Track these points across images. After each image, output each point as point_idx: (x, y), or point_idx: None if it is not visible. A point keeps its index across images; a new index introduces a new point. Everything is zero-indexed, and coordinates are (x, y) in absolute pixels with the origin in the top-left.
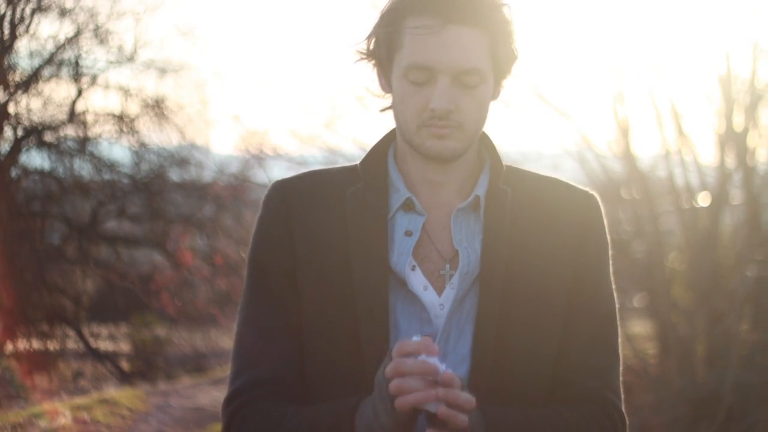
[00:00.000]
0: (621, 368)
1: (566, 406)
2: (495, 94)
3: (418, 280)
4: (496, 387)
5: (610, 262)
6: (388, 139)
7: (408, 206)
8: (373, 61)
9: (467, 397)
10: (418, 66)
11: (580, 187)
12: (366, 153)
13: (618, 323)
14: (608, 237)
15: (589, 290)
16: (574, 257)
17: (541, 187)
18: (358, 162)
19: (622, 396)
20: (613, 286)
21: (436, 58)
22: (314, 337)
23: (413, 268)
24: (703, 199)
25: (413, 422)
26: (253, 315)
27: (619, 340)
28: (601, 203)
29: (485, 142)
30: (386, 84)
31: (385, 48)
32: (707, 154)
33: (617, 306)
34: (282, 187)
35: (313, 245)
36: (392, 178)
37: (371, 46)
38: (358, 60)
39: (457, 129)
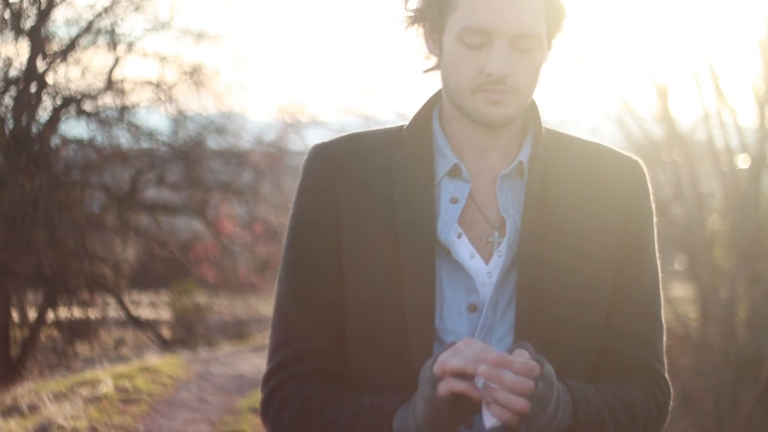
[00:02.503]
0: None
1: (624, 380)
2: (546, 57)
3: (464, 248)
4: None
5: (655, 230)
6: (433, 102)
7: (454, 172)
8: (421, 23)
9: (519, 379)
10: (475, 29)
11: (625, 152)
12: (411, 117)
13: (661, 291)
14: (653, 205)
15: (636, 259)
16: (621, 225)
17: (585, 152)
18: (401, 124)
19: (666, 363)
20: (657, 254)
21: (494, 21)
22: (357, 308)
23: (459, 236)
24: (743, 161)
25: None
26: (294, 285)
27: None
28: (645, 170)
29: (530, 107)
30: (435, 47)
31: (437, 9)
32: (747, 115)
33: (660, 273)
34: (323, 150)
35: (357, 212)
36: (438, 143)
37: (422, 8)
38: (408, 22)
39: (512, 94)
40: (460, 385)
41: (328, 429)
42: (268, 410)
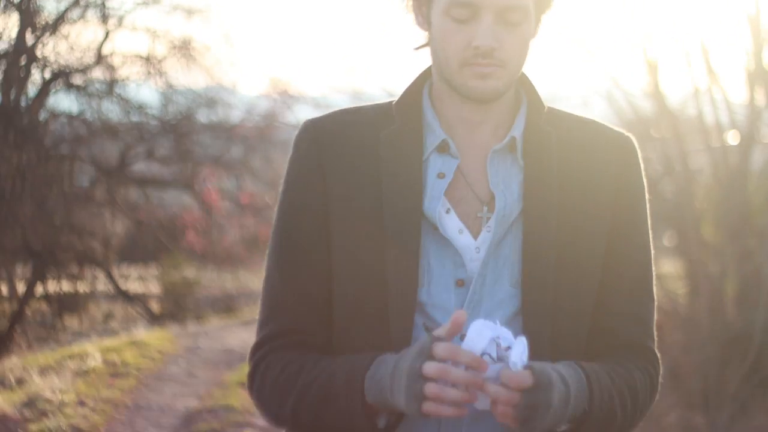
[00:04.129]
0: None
1: (622, 359)
2: (535, 32)
3: (452, 223)
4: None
5: (648, 205)
6: (423, 78)
7: (442, 148)
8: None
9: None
10: (462, 2)
11: (617, 128)
12: (401, 93)
13: (653, 266)
14: (645, 180)
15: (628, 234)
16: (613, 199)
17: (578, 127)
18: (391, 99)
19: (656, 339)
20: (650, 230)
21: None
22: (343, 283)
23: (448, 211)
24: (733, 137)
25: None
26: (282, 260)
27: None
28: (637, 146)
29: (523, 82)
30: (423, 21)
31: None
32: (737, 92)
33: (653, 249)
34: (313, 127)
35: (345, 188)
36: (427, 119)
37: None
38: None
39: (500, 67)
40: (447, 411)
41: (305, 391)
42: (252, 382)
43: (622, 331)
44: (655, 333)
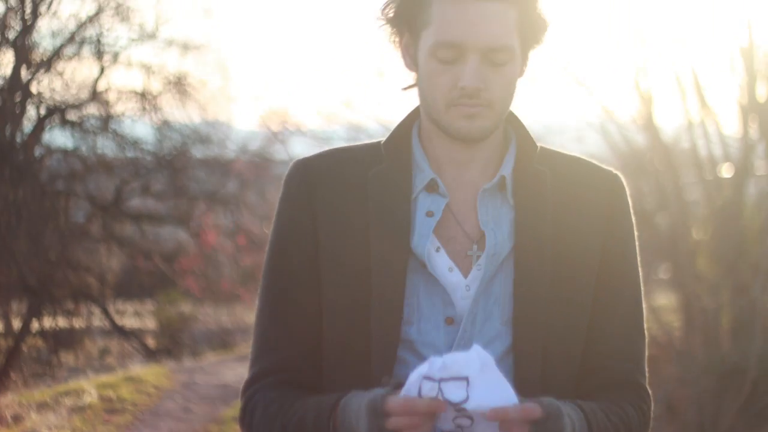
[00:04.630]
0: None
1: (615, 397)
2: (522, 71)
3: (442, 262)
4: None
5: (637, 243)
6: (412, 118)
7: (431, 187)
8: (397, 39)
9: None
10: (447, 43)
11: (605, 166)
12: (390, 132)
13: (643, 303)
14: (633, 218)
15: (618, 272)
16: (602, 237)
17: (567, 166)
18: (381, 139)
19: (647, 374)
20: (640, 266)
21: (465, 35)
22: (331, 321)
23: (438, 249)
24: (727, 170)
25: None
26: (271, 299)
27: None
28: (625, 183)
29: (512, 120)
30: (411, 63)
31: (411, 24)
32: (730, 125)
33: (642, 286)
34: (303, 166)
35: (334, 227)
36: (416, 158)
37: (397, 23)
38: (383, 39)
39: (487, 108)
40: None
41: (284, 429)
42: (243, 420)
43: (613, 369)
44: (647, 369)
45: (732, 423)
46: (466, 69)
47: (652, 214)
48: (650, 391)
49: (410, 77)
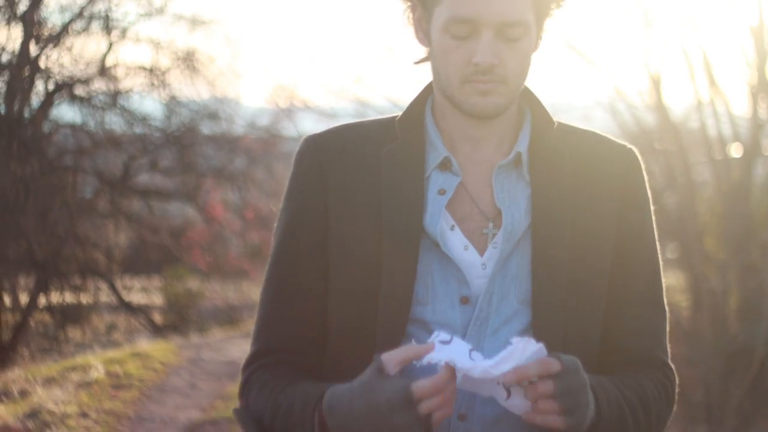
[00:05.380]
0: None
1: (634, 372)
2: (537, 45)
3: (457, 240)
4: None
5: (653, 217)
6: (425, 94)
7: (445, 165)
8: (410, 14)
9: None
10: (461, 19)
11: (619, 141)
12: (404, 109)
13: (662, 278)
14: (649, 192)
15: (635, 247)
16: (619, 212)
17: (582, 141)
18: (394, 115)
19: (669, 352)
20: (657, 242)
21: (479, 11)
22: (338, 300)
23: (452, 228)
24: (736, 150)
25: None
26: (277, 279)
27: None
28: (640, 158)
29: (527, 96)
30: (424, 38)
31: (424, 0)
32: (740, 104)
33: (661, 261)
34: (314, 143)
35: (345, 207)
36: (430, 136)
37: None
38: (396, 14)
39: (501, 83)
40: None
41: (275, 416)
42: (241, 397)
43: (633, 345)
44: (668, 345)
45: (739, 403)
46: (479, 45)
47: (661, 194)
48: (674, 367)
49: (422, 52)
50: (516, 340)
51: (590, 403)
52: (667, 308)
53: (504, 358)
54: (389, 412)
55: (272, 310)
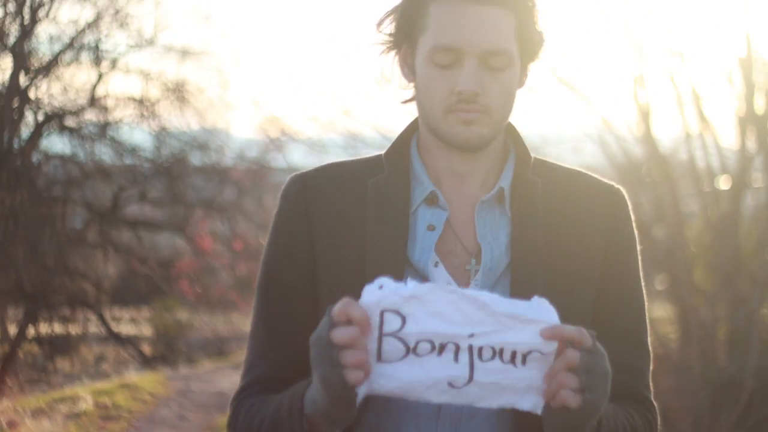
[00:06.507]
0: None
1: (621, 404)
2: (521, 81)
3: (441, 276)
4: None
5: (639, 257)
6: (411, 129)
7: (431, 200)
8: (395, 49)
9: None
10: (444, 47)
11: (606, 180)
12: (391, 143)
13: (647, 319)
14: (635, 232)
15: (619, 286)
16: (603, 251)
17: (567, 179)
18: (381, 152)
19: (652, 390)
20: (643, 282)
21: (462, 39)
22: None
23: (436, 264)
24: (725, 182)
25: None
26: (265, 311)
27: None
28: (627, 197)
29: (510, 132)
30: (409, 72)
31: (408, 32)
32: (728, 137)
33: (646, 301)
34: (300, 180)
35: (332, 238)
36: (415, 170)
37: (394, 32)
38: (381, 48)
39: (485, 114)
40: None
41: (261, 426)
42: (228, 427)
43: (617, 382)
44: (651, 383)
45: None
46: (463, 73)
47: (650, 226)
48: (656, 405)
49: (408, 93)
50: (538, 300)
51: (603, 401)
52: (650, 348)
53: (513, 304)
54: (312, 345)
55: (263, 343)
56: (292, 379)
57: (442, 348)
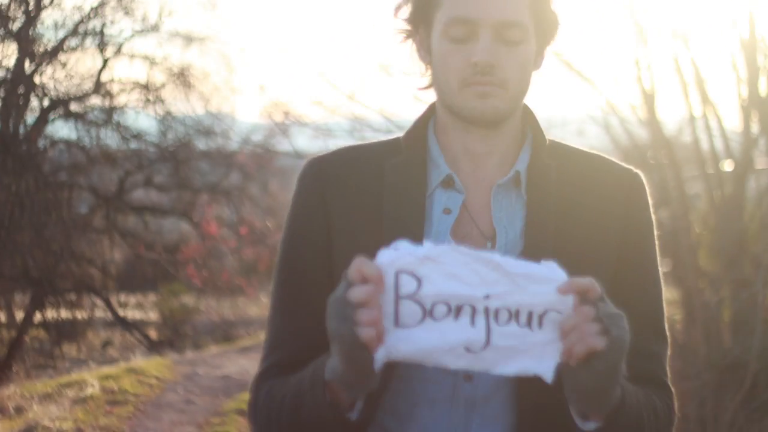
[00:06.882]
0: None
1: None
2: (537, 63)
3: None
4: None
5: (656, 241)
6: (429, 113)
7: (447, 183)
8: (413, 35)
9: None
10: (459, 19)
11: (624, 164)
12: (402, 127)
13: (664, 303)
14: (653, 216)
15: (636, 272)
16: (619, 236)
17: (584, 163)
18: (398, 135)
19: (669, 375)
20: (660, 267)
21: (477, 10)
22: None
23: None
24: (728, 165)
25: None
26: (283, 296)
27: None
28: (645, 181)
29: (527, 115)
30: (425, 53)
31: (424, 10)
32: (732, 119)
33: (663, 285)
34: (317, 163)
35: (349, 221)
36: (432, 153)
37: (411, 13)
38: (398, 32)
39: (500, 87)
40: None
41: (283, 402)
42: (251, 412)
43: (634, 364)
44: (668, 368)
45: (733, 417)
46: (478, 45)
47: (654, 209)
48: (673, 390)
49: (424, 80)
50: (547, 264)
51: (627, 337)
52: (668, 334)
53: (526, 265)
54: (328, 305)
55: (282, 328)
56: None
57: (458, 310)
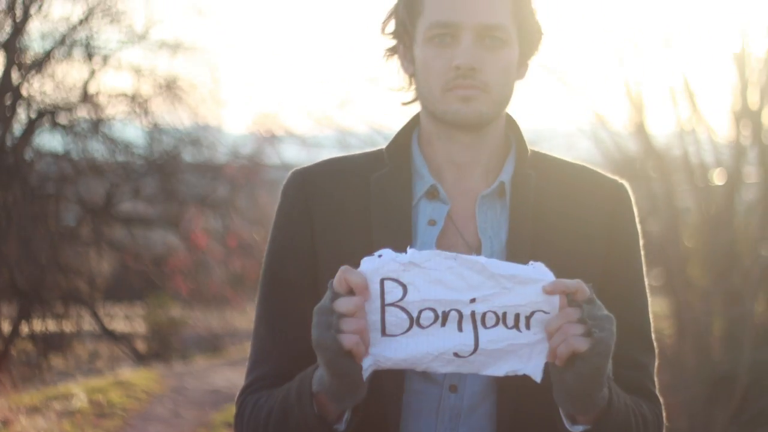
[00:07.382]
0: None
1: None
2: (521, 72)
3: None
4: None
5: (642, 252)
6: (413, 124)
7: (432, 194)
8: (397, 49)
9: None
10: (440, 23)
11: (610, 175)
12: (391, 138)
13: (650, 314)
14: (639, 227)
15: (621, 282)
16: (605, 247)
17: (569, 174)
18: (382, 147)
19: (657, 385)
20: (646, 278)
21: (458, 14)
22: None
23: None
24: (719, 177)
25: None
26: (268, 308)
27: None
28: (631, 192)
29: (511, 126)
30: (409, 64)
31: (406, 16)
32: (722, 131)
33: (649, 296)
34: (300, 174)
35: (334, 233)
36: (416, 164)
37: (395, 25)
38: (385, 53)
39: (483, 90)
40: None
41: (270, 415)
42: (237, 426)
43: (622, 374)
44: (656, 379)
45: (723, 430)
46: (460, 48)
47: (644, 221)
48: (661, 400)
49: (408, 95)
50: (534, 264)
51: (612, 340)
52: (655, 344)
53: (511, 266)
54: (314, 314)
55: (267, 341)
56: (296, 376)
57: (445, 316)
